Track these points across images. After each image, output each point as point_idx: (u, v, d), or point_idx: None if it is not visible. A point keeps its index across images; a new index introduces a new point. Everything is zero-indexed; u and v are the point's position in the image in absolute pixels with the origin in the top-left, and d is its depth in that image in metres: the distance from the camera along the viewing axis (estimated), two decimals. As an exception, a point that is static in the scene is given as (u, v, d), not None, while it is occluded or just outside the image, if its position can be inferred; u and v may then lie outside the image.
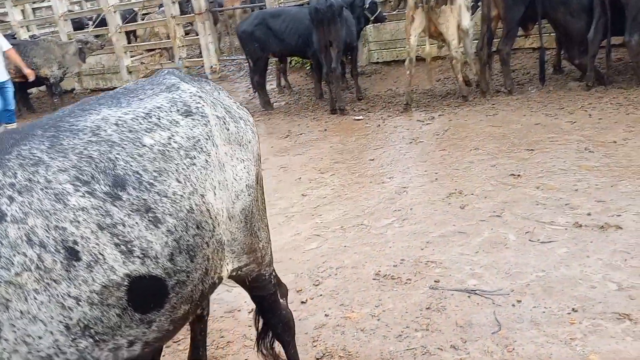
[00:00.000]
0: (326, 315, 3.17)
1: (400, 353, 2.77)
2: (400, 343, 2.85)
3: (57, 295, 1.38)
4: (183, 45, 11.74)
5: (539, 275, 3.21)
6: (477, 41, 7.32)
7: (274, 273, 2.30)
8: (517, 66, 8.25)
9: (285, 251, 3.98)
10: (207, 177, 1.71)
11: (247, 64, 8.82)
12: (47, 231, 1.39)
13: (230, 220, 1.81)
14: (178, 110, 1.76)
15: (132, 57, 12.54)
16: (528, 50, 8.73)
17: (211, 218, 1.70)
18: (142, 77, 12.80)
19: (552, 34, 7.77)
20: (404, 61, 7.47)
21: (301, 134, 6.76)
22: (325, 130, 6.80)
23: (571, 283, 3.10)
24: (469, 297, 3.12)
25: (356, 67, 8.31)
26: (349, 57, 8.45)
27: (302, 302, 3.33)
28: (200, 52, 11.65)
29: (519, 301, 3.02)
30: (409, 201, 4.45)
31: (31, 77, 9.53)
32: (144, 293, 1.52)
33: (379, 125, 6.66)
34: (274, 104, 8.81)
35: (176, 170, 1.64)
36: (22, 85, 11.14)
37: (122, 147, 1.58)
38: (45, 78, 10.56)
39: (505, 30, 7.02)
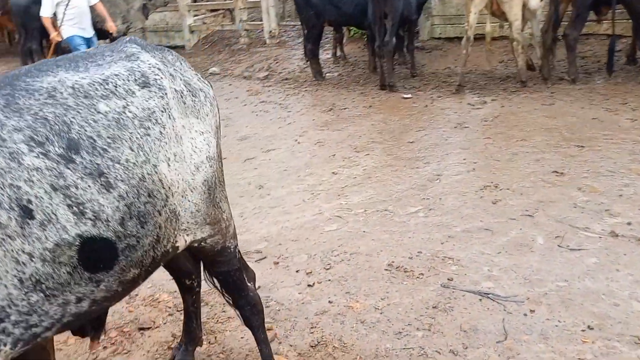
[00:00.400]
0: (330, 301, 3.10)
1: (396, 351, 2.67)
2: (399, 341, 2.74)
3: (12, 250, 1.43)
4: (245, 8, 11.69)
5: (560, 285, 3.00)
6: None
7: (238, 248, 2.28)
8: (587, 53, 7.72)
9: (303, 230, 3.91)
10: (160, 148, 1.73)
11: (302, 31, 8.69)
12: (1, 189, 1.42)
13: (192, 191, 1.85)
14: (136, 80, 1.77)
15: (195, 16, 12.63)
16: (602, 37, 8.10)
17: (164, 188, 1.73)
18: (202, 38, 12.92)
19: (629, 21, 7.18)
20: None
21: (345, 109, 6.61)
22: (370, 106, 6.62)
23: (593, 297, 2.88)
24: (480, 300, 2.96)
25: (413, 41, 8.01)
26: (407, 31, 8.16)
27: (309, 285, 3.27)
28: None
29: (532, 311, 2.83)
30: (440, 190, 4.26)
31: (114, 32, 9.56)
32: (94, 254, 1.57)
33: (427, 105, 6.41)
34: (326, 74, 8.66)
35: (129, 138, 1.66)
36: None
37: (78, 112, 1.60)
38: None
39: (574, 14, 6.54)
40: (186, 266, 2.57)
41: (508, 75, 7.34)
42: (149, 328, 3.08)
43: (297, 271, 3.44)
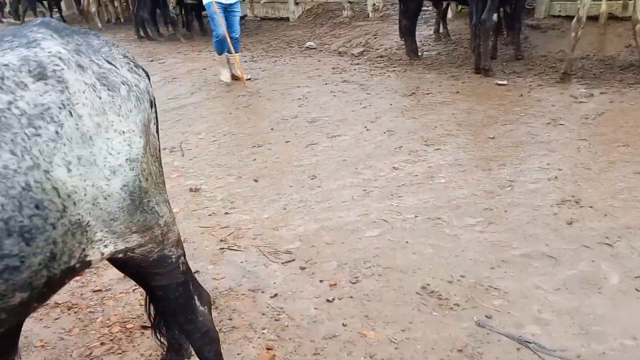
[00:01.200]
0: (344, 324, 2.72)
1: (399, 400, 2.25)
2: (407, 387, 2.32)
3: None
4: (350, -22, 11.24)
5: (626, 344, 2.39)
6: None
7: (183, 259, 1.95)
8: None
9: (342, 232, 3.53)
10: (56, 150, 1.46)
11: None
12: None
13: (106, 198, 1.59)
14: (30, 71, 1.47)
15: (299, -13, 12.39)
16: None
17: (60, 197, 1.47)
18: (307, 10, 12.64)
19: None
20: (590, 17, 6.14)
21: (428, 94, 6.03)
22: (457, 92, 5.98)
23: (667, 368, 2.25)
24: (518, 349, 2.43)
25: (520, 19, 7.14)
26: (515, 7, 7.28)
27: (328, 300, 2.91)
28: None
29: (581, 374, 2.28)
30: (508, 200, 3.67)
31: None
32: None
33: (522, 95, 5.66)
34: (424, 53, 8.06)
35: (12, 140, 1.38)
36: (195, 6, 11.67)
37: None
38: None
39: None
40: None
41: (631, 63, 6.31)
42: (150, 327, 2.90)
43: (321, 281, 3.09)
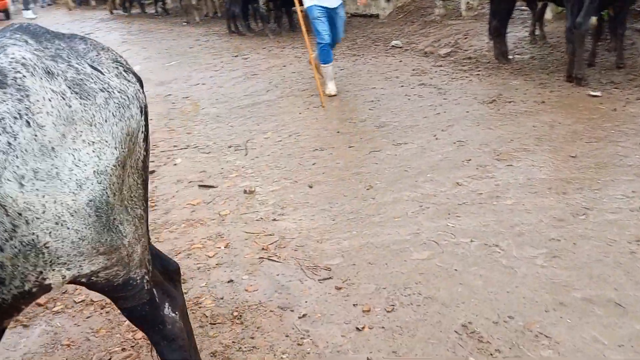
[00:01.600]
0: (368, 359, 2.49)
1: None
2: None
3: None
4: (444, -25, 10.77)
5: None
6: None
7: (147, 277, 1.83)
8: None
9: (387, 251, 3.29)
10: (6, 163, 1.37)
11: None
12: None
13: (72, 215, 1.48)
14: None
15: (391, -17, 12.05)
16: None
17: (9, 215, 1.38)
18: (398, 7, 12.27)
19: None
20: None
21: (510, 102, 5.57)
22: (543, 102, 5.47)
23: None
24: (560, 414, 2.10)
25: (624, 23, 6.43)
26: (618, 9, 6.57)
27: (357, 329, 2.69)
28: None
29: None
30: (580, 231, 3.25)
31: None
32: None
33: (616, 109, 5.07)
34: (515, 56, 7.52)
35: None
36: (285, 2, 11.69)
37: None
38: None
39: None
40: None
41: None
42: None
43: (354, 305, 2.88)
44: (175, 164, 5.06)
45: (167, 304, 1.93)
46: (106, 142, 1.52)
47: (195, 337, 2.75)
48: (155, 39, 12.17)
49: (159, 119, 6.49)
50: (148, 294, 1.84)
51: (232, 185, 4.48)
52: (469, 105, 5.61)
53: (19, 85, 1.41)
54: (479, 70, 6.85)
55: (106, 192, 1.53)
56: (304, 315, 2.84)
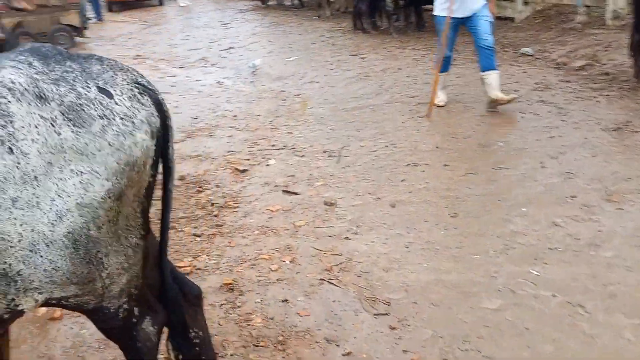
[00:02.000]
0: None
1: None
2: None
3: None
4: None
5: None
6: None
7: (125, 306, 1.77)
8: None
9: (455, 293, 3.02)
10: None
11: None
12: None
13: (48, 245, 1.45)
14: None
15: (532, -15, 11.21)
16: None
17: None
18: (536, 11, 11.39)
19: None
20: None
21: (638, 132, 4.88)
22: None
23: None
24: None
25: None
26: None
27: (400, 379, 2.48)
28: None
29: None
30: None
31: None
32: None
33: None
34: (660, 75, 6.62)
35: None
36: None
37: None
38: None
39: None
40: None
41: None
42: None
43: (404, 351, 2.66)
44: (268, 165, 5.07)
45: (147, 318, 1.89)
46: (97, 173, 1.47)
47: (233, 358, 2.71)
48: (283, 33, 12.40)
49: (266, 116, 6.57)
50: (122, 321, 1.80)
51: (315, 194, 4.38)
52: (589, 131, 5.01)
53: (3, 111, 1.38)
54: (612, 90, 6.11)
55: (87, 225, 1.49)
56: (348, 354, 2.67)
